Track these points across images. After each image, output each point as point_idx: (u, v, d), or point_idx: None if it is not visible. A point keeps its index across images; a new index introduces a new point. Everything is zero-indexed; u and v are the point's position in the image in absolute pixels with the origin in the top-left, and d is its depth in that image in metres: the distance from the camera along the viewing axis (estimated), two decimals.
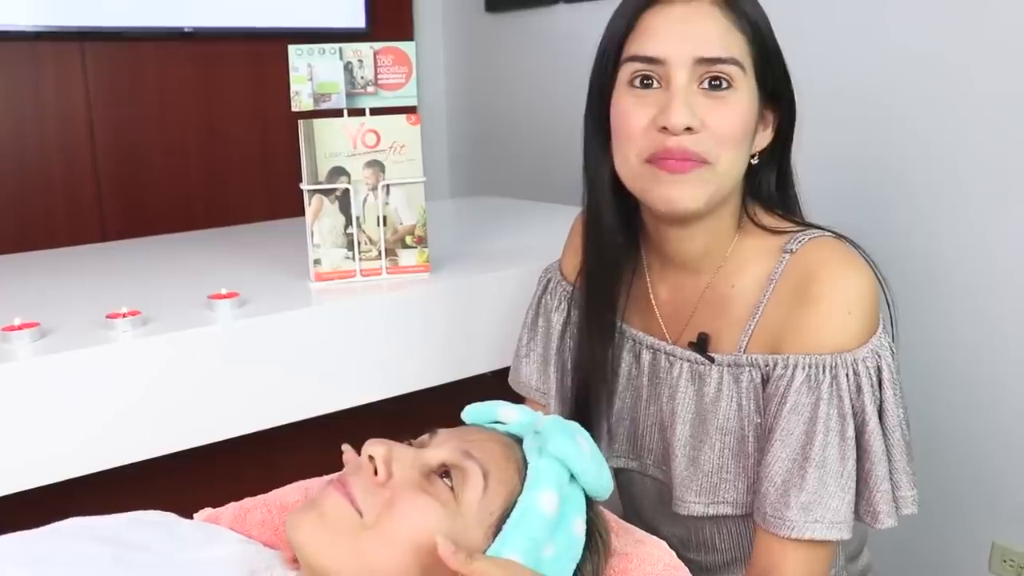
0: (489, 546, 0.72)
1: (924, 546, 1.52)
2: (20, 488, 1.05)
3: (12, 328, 1.10)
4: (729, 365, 0.92)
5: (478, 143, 2.73)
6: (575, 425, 0.82)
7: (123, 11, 2.25)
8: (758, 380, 0.90)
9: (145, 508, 0.88)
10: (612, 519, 0.88)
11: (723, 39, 0.85)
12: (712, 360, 0.93)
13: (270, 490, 0.96)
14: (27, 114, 2.22)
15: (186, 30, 2.33)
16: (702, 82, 0.85)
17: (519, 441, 0.80)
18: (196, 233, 1.90)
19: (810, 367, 0.85)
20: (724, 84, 0.85)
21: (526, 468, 0.76)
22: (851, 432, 0.85)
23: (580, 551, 0.77)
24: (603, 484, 0.80)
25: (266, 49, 2.49)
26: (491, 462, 0.75)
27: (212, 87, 2.45)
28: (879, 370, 0.85)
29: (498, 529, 0.72)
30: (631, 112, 0.87)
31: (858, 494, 0.86)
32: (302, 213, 1.32)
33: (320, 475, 1.02)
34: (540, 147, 2.43)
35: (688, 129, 0.84)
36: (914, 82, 1.46)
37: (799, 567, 0.86)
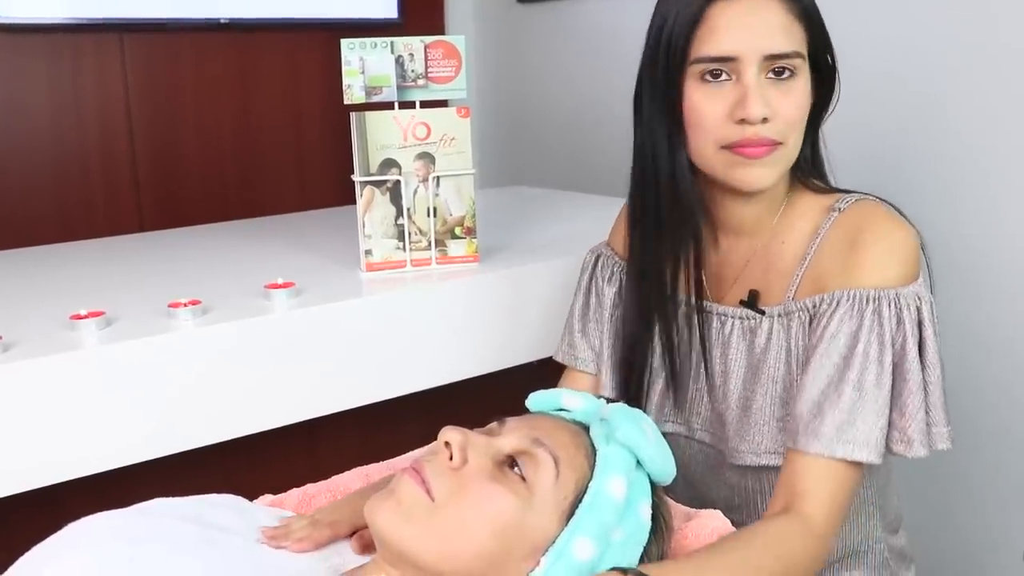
0: (561, 531, 0.74)
1: (958, 544, 1.52)
2: (88, 472, 1.08)
3: (79, 317, 1.13)
4: (779, 315, 0.97)
5: (508, 134, 2.74)
6: (640, 412, 0.84)
7: (161, 2, 2.28)
8: (807, 323, 0.95)
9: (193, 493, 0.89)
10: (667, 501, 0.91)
11: (787, 32, 0.91)
12: (763, 312, 0.98)
13: (314, 475, 0.99)
14: (67, 105, 2.24)
15: (223, 21, 2.36)
16: (768, 72, 0.91)
17: (584, 428, 0.83)
18: (241, 223, 1.93)
19: (853, 298, 0.90)
20: (788, 73, 0.92)
21: (594, 454, 0.79)
22: (889, 360, 0.89)
23: (647, 535, 0.79)
24: (667, 470, 0.83)
25: (300, 40, 2.51)
26: (561, 448, 0.77)
27: (247, 77, 2.47)
28: (919, 311, 0.90)
29: (570, 514, 0.75)
30: (706, 105, 0.92)
31: (892, 424, 0.90)
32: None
33: (376, 461, 1.04)
34: (571, 138, 2.44)
35: (763, 119, 0.90)
36: (951, 68, 1.44)
37: (824, 488, 0.87)
